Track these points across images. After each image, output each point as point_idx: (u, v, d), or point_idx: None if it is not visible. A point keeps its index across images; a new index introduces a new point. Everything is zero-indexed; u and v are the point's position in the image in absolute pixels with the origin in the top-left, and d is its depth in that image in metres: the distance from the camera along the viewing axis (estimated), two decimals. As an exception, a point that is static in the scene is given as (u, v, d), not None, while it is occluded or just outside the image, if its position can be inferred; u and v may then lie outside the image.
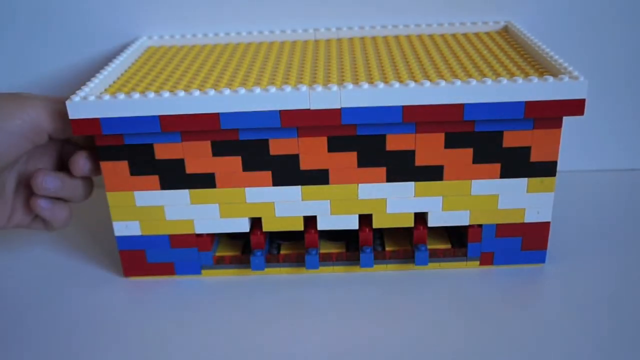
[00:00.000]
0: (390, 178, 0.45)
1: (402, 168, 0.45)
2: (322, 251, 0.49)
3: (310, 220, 0.48)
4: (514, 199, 0.46)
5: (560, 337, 0.42)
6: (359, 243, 0.49)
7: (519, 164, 0.45)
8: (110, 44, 0.58)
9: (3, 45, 0.59)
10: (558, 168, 0.45)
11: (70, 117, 0.42)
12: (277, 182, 0.45)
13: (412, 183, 0.45)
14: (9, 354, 0.43)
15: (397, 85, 0.41)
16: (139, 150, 0.45)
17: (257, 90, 0.42)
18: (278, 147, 0.44)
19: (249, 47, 0.55)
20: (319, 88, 0.42)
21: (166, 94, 0.42)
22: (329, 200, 0.46)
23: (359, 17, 0.57)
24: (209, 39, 0.57)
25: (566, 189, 0.57)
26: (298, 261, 0.49)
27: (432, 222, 0.47)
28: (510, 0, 0.56)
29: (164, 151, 0.45)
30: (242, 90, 0.42)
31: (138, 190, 0.46)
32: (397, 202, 0.46)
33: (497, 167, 0.45)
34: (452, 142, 0.44)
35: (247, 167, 0.45)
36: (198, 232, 0.48)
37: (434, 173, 0.45)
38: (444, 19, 0.57)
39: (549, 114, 0.42)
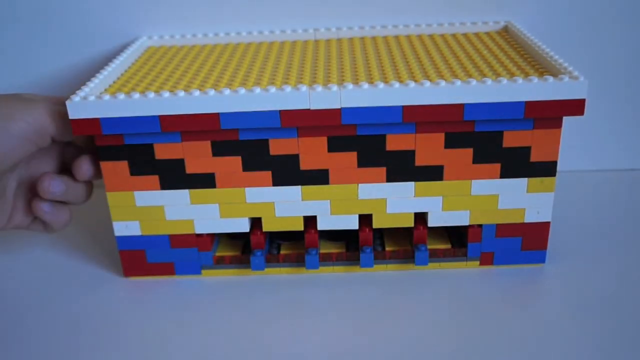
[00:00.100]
0: (390, 178, 0.45)
1: (402, 168, 0.45)
2: (322, 251, 0.49)
3: (310, 220, 0.48)
4: (514, 199, 0.46)
5: (560, 337, 0.42)
6: (359, 243, 0.49)
7: (519, 164, 0.45)
8: (110, 44, 0.58)
9: (3, 45, 0.59)
10: (558, 168, 0.45)
11: (70, 117, 0.42)
12: (277, 182, 0.45)
13: (412, 183, 0.45)
14: (9, 354, 0.43)
15: (397, 85, 0.41)
16: (139, 150, 0.45)
17: (257, 90, 0.42)
18: (278, 147, 0.44)
19: (249, 47, 0.55)
20: (319, 88, 0.42)
21: (166, 94, 0.42)
22: (329, 200, 0.46)
23: (359, 17, 0.57)
24: (209, 39, 0.57)
25: (566, 189, 0.57)
26: (298, 261, 0.49)
27: (432, 222, 0.47)
28: (510, 0, 0.56)
29: (164, 151, 0.45)
30: (242, 90, 0.42)
31: (138, 190, 0.46)
32: (397, 202, 0.46)
33: (497, 167, 0.45)
34: (452, 142, 0.44)
35: (247, 167, 0.45)
36: (198, 232, 0.48)
37: (434, 173, 0.45)
38: (444, 19, 0.57)
39: (549, 114, 0.42)
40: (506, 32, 0.55)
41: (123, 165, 0.45)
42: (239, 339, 0.43)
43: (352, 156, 0.45)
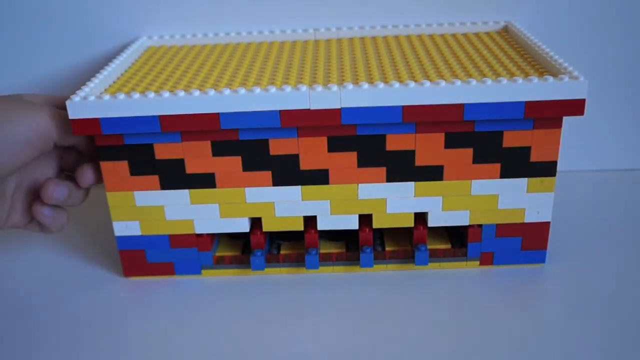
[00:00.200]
0: (390, 178, 0.45)
1: (402, 168, 0.45)
2: (322, 251, 0.49)
3: (310, 220, 0.48)
4: (514, 199, 0.46)
5: (560, 337, 0.42)
6: (359, 243, 0.49)
7: (519, 164, 0.45)
8: (110, 44, 0.58)
9: (3, 45, 0.59)
10: (558, 168, 0.45)
11: (70, 117, 0.42)
12: (277, 182, 0.45)
13: (412, 183, 0.45)
14: (10, 354, 0.43)
15: (397, 85, 0.41)
16: (139, 150, 0.45)
17: (257, 90, 0.42)
18: (278, 147, 0.44)
19: (249, 47, 0.55)
20: (319, 88, 0.42)
21: (166, 94, 0.42)
22: (329, 200, 0.46)
23: (359, 17, 0.57)
24: (209, 39, 0.57)
25: (566, 189, 0.57)
26: (298, 261, 0.49)
27: (432, 222, 0.47)
28: (510, 0, 0.56)
29: (164, 151, 0.45)
30: (242, 90, 0.42)
31: (138, 190, 0.46)
32: (397, 202, 0.46)
33: (497, 167, 0.45)
34: (452, 142, 0.44)
35: (247, 167, 0.45)
36: (198, 232, 0.48)
37: (434, 173, 0.45)
38: (444, 19, 0.57)
39: (549, 114, 0.42)
40: (506, 32, 0.55)
41: (123, 165, 0.45)
42: (239, 339, 0.43)
43: (352, 156, 0.45)
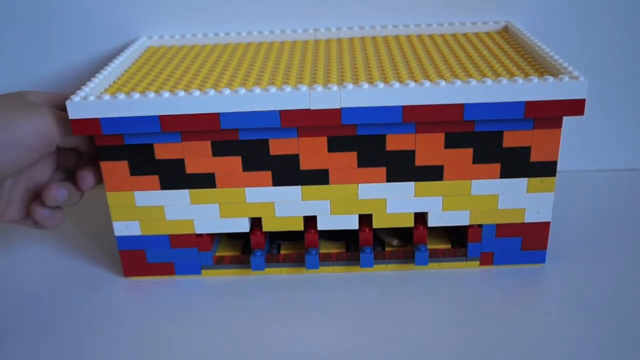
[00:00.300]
0: (390, 178, 0.45)
1: (402, 168, 0.45)
2: (322, 251, 0.49)
3: (310, 220, 0.48)
4: (514, 199, 0.46)
5: (560, 337, 0.42)
6: (359, 243, 0.49)
7: (519, 164, 0.45)
8: (110, 44, 0.58)
9: (3, 45, 0.59)
10: (558, 168, 0.45)
11: (70, 117, 0.42)
12: (277, 182, 0.45)
13: (412, 183, 0.45)
14: (10, 354, 0.43)
15: (397, 85, 0.41)
16: (139, 150, 0.45)
17: (257, 90, 0.42)
18: (278, 147, 0.44)
19: (249, 47, 0.55)
20: (319, 88, 0.42)
21: (166, 94, 0.42)
22: (329, 200, 0.46)
23: (359, 17, 0.57)
24: (209, 39, 0.57)
25: (566, 189, 0.57)
26: (298, 261, 0.49)
27: (432, 222, 0.47)
28: (510, 0, 0.56)
29: (164, 151, 0.45)
30: (242, 90, 0.42)
31: (138, 190, 0.46)
32: (397, 202, 0.46)
33: (497, 167, 0.45)
34: (452, 142, 0.44)
35: (247, 167, 0.45)
36: (198, 232, 0.48)
37: (434, 173, 0.45)
38: (444, 19, 0.57)
39: (549, 114, 0.42)
40: (506, 32, 0.55)
41: (123, 165, 0.45)
42: (239, 339, 0.43)
43: (352, 156, 0.45)
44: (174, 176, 0.46)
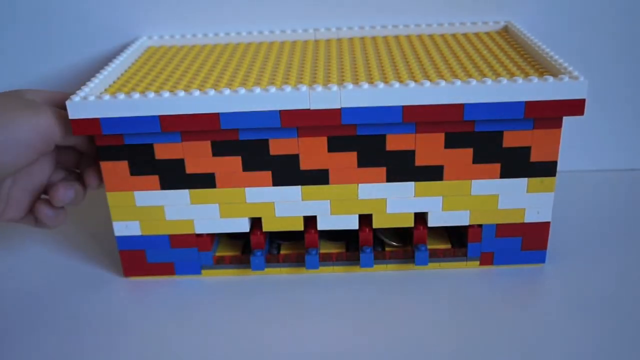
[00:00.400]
0: (390, 178, 0.45)
1: (402, 168, 0.45)
2: (322, 251, 0.49)
3: (310, 220, 0.48)
4: (514, 199, 0.46)
5: (560, 337, 0.42)
6: (359, 243, 0.49)
7: (519, 164, 0.45)
8: (110, 44, 0.58)
9: (3, 45, 0.59)
10: (558, 168, 0.45)
11: (70, 117, 0.42)
12: (277, 182, 0.45)
13: (412, 183, 0.45)
14: (10, 354, 0.43)
15: (397, 85, 0.41)
16: (139, 150, 0.45)
17: (257, 90, 0.42)
18: (278, 147, 0.44)
19: (249, 47, 0.55)
20: (319, 88, 0.42)
21: (166, 94, 0.42)
22: (329, 200, 0.46)
23: (359, 17, 0.57)
24: (209, 39, 0.57)
25: (566, 189, 0.57)
26: (298, 261, 0.49)
27: (432, 222, 0.47)
28: (510, 0, 0.56)
29: (164, 151, 0.45)
30: (242, 90, 0.42)
31: (138, 190, 0.46)
32: (397, 202, 0.46)
33: (497, 167, 0.45)
34: (452, 142, 0.44)
35: (247, 167, 0.45)
36: (198, 232, 0.48)
37: (434, 173, 0.45)
38: (444, 19, 0.57)
39: (549, 114, 0.42)
40: (506, 32, 0.55)
41: (123, 165, 0.45)
42: (239, 339, 0.43)
43: (352, 156, 0.45)
44: (174, 176, 0.46)
